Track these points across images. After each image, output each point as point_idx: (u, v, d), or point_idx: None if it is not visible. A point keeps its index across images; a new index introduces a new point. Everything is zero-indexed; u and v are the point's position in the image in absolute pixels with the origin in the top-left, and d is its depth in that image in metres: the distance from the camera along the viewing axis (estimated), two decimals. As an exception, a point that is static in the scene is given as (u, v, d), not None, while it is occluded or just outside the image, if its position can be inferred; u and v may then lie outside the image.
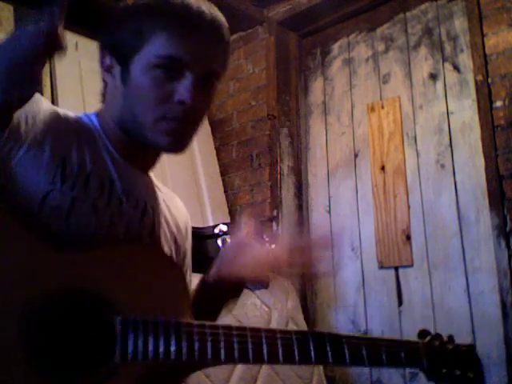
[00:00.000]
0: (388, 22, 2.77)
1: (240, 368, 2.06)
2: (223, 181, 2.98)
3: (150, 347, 0.75)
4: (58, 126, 0.88)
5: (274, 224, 2.79)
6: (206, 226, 2.50)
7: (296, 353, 0.83)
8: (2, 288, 0.71)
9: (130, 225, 0.90)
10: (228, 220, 2.85)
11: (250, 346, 0.80)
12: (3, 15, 2.50)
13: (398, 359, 0.94)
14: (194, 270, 1.13)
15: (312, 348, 0.84)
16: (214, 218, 2.78)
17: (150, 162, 0.99)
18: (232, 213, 2.93)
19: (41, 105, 0.87)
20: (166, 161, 2.73)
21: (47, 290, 0.73)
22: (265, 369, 2.13)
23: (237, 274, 0.95)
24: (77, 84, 2.53)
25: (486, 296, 2.25)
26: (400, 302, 2.49)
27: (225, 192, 2.96)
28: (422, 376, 2.50)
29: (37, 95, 0.83)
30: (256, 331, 0.82)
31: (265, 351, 0.81)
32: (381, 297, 2.53)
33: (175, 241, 1.01)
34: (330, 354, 0.85)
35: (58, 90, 2.47)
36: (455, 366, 0.95)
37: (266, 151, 2.89)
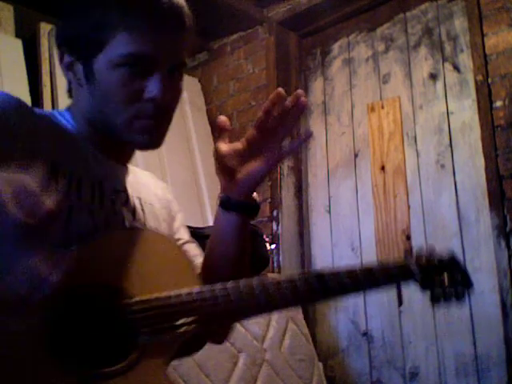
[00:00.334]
0: (388, 21, 2.78)
1: (240, 368, 2.06)
2: (223, 181, 2.97)
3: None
4: (37, 137, 0.84)
5: (274, 224, 2.79)
6: (205, 226, 2.50)
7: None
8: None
9: (124, 221, 0.91)
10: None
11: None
12: (3, 15, 2.50)
13: (393, 275, 1.05)
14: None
15: (317, 285, 0.89)
16: (214, 218, 2.78)
17: (128, 153, 0.98)
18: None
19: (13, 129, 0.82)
20: (166, 161, 2.74)
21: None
22: (265, 369, 2.13)
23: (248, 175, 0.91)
24: (77, 84, 2.53)
25: (486, 296, 2.25)
26: (400, 302, 2.48)
27: (225, 192, 2.96)
28: (421, 376, 2.51)
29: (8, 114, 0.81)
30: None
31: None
32: (381, 297, 2.53)
33: (165, 221, 1.02)
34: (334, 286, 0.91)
35: (58, 90, 2.47)
36: (443, 271, 1.08)
37: (265, 151, 2.89)
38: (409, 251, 1.08)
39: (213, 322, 0.88)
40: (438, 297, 1.03)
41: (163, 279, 0.84)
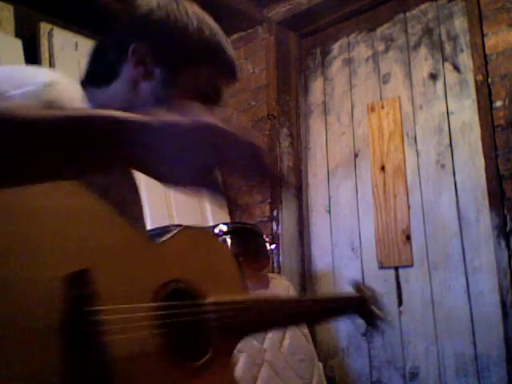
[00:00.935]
0: (388, 21, 2.78)
1: (240, 368, 2.06)
2: (223, 181, 2.97)
3: None
4: None
5: (274, 224, 2.79)
6: (205, 226, 2.50)
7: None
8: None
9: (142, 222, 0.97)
10: (228, 220, 2.85)
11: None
12: (3, 15, 2.50)
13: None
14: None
15: None
16: (214, 218, 2.79)
17: None
18: (232, 213, 2.93)
19: None
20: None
21: (158, 281, 0.77)
22: (265, 369, 2.13)
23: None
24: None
25: (485, 296, 2.25)
26: (400, 302, 2.49)
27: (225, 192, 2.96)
28: (421, 376, 2.51)
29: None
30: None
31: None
32: (381, 297, 2.52)
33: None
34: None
35: (58, 90, 2.47)
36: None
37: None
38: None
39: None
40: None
41: (220, 280, 0.91)
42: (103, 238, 0.70)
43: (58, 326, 0.59)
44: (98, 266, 0.66)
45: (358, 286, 1.33)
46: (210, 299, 0.85)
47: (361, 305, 1.28)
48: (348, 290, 1.35)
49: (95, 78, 0.98)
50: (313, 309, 1.15)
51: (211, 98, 0.94)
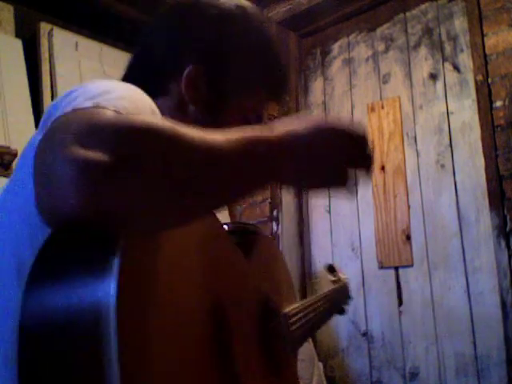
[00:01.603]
0: (388, 22, 2.78)
1: (240, 368, 2.06)
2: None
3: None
4: None
5: (274, 224, 2.79)
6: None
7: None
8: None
9: None
10: (228, 220, 2.85)
11: None
12: (3, 15, 2.50)
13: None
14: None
15: None
16: (214, 218, 2.78)
17: None
18: (232, 213, 2.93)
19: None
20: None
21: (258, 293, 0.82)
22: (265, 369, 2.13)
23: None
24: (77, 84, 2.53)
25: (485, 296, 2.25)
26: (400, 302, 2.49)
27: (225, 192, 2.96)
28: (421, 376, 2.51)
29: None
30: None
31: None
32: (381, 297, 2.53)
33: None
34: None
35: (58, 90, 2.47)
36: None
37: (266, 151, 2.89)
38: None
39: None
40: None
41: (282, 290, 0.95)
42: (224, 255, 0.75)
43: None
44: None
45: (332, 267, 1.36)
46: (289, 309, 0.90)
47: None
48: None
49: (143, 85, 0.92)
50: (327, 305, 1.19)
51: (254, 120, 0.90)
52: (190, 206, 0.49)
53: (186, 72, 0.84)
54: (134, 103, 0.61)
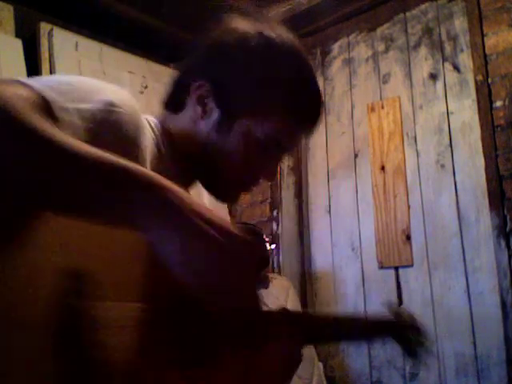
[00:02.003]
0: (388, 21, 2.78)
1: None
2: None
3: None
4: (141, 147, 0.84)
5: (274, 224, 2.79)
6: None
7: None
8: None
9: None
10: (228, 220, 2.85)
11: None
12: (3, 15, 2.50)
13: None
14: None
15: None
16: (214, 218, 2.78)
17: (193, 178, 0.98)
18: (232, 213, 2.93)
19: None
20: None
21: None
22: (265, 369, 2.13)
23: None
24: (77, 84, 2.53)
25: (485, 296, 2.25)
26: (400, 302, 2.49)
27: (225, 192, 2.96)
28: (422, 376, 2.50)
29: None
30: None
31: None
32: (381, 297, 2.53)
33: None
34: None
35: (58, 90, 2.47)
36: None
37: (266, 151, 2.89)
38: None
39: None
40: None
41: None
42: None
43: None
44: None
45: (395, 310, 1.24)
46: None
47: (399, 330, 1.20)
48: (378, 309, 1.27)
49: (168, 102, 0.93)
50: (349, 328, 1.10)
51: (272, 147, 0.87)
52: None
53: (192, 87, 0.85)
54: (76, 92, 0.68)
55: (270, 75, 0.85)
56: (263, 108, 0.85)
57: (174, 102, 0.92)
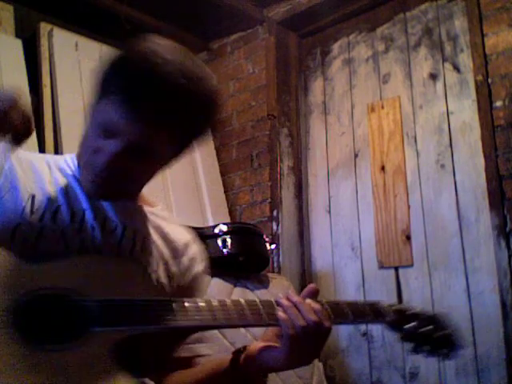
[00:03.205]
0: (388, 22, 2.78)
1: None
2: (223, 181, 2.98)
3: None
4: (31, 169, 0.99)
5: (274, 224, 2.79)
6: (205, 225, 2.50)
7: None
8: None
9: (104, 248, 0.95)
10: (228, 220, 2.85)
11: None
12: (3, 15, 2.51)
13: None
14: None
15: None
16: (214, 218, 2.79)
17: (128, 189, 1.01)
18: (232, 213, 2.93)
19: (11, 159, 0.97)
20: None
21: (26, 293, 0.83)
22: (265, 369, 2.13)
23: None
24: (77, 84, 2.53)
25: (486, 296, 2.25)
26: (400, 302, 2.49)
27: (225, 192, 2.96)
28: (421, 376, 2.50)
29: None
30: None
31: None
32: (381, 297, 2.52)
33: (166, 264, 1.01)
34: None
35: (58, 90, 2.47)
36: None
37: (265, 151, 2.89)
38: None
39: None
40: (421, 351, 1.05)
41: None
42: None
43: None
44: None
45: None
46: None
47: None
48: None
49: None
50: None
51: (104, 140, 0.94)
52: None
53: None
54: None
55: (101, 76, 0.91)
56: (98, 93, 0.91)
57: None
